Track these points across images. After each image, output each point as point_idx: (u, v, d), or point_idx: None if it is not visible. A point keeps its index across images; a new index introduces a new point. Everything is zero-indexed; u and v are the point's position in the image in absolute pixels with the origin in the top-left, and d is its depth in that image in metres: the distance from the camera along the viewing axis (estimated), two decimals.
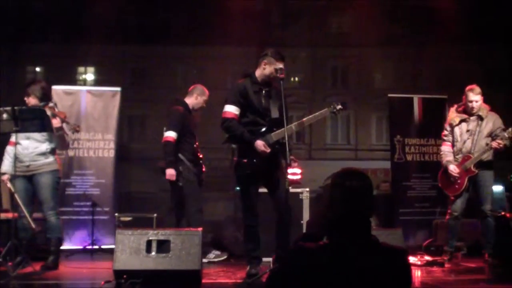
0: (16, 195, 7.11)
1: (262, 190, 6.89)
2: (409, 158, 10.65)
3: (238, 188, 7.35)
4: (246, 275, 6.59)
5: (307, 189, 8.55)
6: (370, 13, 21.43)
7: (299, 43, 25.95)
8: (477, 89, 8.05)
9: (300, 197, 8.31)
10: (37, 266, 7.12)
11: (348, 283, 2.91)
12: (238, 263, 7.96)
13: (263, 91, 6.67)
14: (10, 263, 6.66)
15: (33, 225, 7.19)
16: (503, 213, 9.73)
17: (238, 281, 6.44)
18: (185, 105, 8.40)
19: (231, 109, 6.65)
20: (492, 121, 8.06)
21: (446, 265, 7.84)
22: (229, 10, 19.70)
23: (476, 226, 8.62)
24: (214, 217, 10.18)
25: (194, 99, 8.51)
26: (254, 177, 6.67)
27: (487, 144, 7.97)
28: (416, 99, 10.82)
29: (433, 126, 10.44)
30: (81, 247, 9.90)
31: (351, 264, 2.94)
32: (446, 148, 8.30)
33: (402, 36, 24.93)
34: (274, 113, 6.61)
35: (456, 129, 8.17)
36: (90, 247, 9.77)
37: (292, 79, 27.56)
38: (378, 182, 14.95)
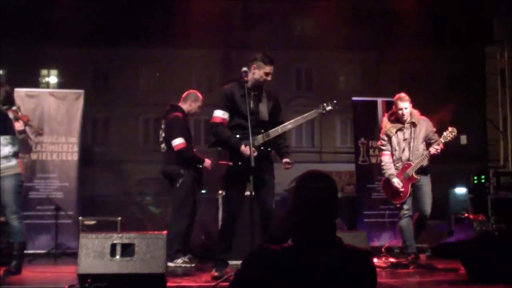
0: None
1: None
2: (373, 160, 10.71)
3: (204, 191, 7.39)
4: (211, 278, 6.61)
5: None
6: (332, 16, 21.48)
7: (262, 45, 26.00)
8: (406, 97, 8.27)
9: None
10: None
11: (313, 285, 2.91)
12: (203, 266, 7.94)
13: (252, 95, 6.68)
14: None
15: None
16: (466, 214, 9.86)
17: (203, 284, 6.43)
18: (182, 111, 8.45)
19: (218, 114, 6.71)
20: (424, 126, 8.31)
21: (411, 267, 7.90)
22: (191, 12, 19.64)
23: (441, 228, 8.72)
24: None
25: (189, 105, 8.59)
26: (239, 180, 6.69)
27: (424, 150, 8.23)
28: (380, 101, 10.89)
29: None
30: (44, 251, 9.81)
31: (316, 265, 2.93)
32: (386, 158, 8.44)
33: (364, 39, 25.07)
34: (263, 116, 6.64)
35: (394, 139, 8.35)
36: (53, 251, 9.69)
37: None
38: (342, 184, 15.05)
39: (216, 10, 22.23)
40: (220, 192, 8.61)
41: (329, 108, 6.84)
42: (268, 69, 6.68)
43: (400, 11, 19.14)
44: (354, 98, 11.38)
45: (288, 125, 6.79)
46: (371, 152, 10.76)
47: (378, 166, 10.21)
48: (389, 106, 10.63)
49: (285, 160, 6.83)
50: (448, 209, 15.22)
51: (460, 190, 16.65)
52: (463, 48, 24.27)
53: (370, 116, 10.89)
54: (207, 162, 8.40)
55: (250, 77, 6.69)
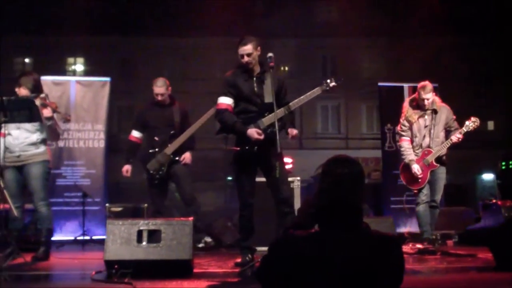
0: (3, 187, 7.07)
1: (261, 179, 6.87)
2: None
3: (229, 178, 7.36)
4: (235, 264, 6.62)
5: (298, 178, 8.56)
6: (355, 2, 21.35)
7: (285, 33, 25.89)
8: (428, 87, 8.18)
9: (291, 186, 8.28)
10: (27, 257, 7.09)
11: (339, 271, 2.88)
12: (229, 253, 7.96)
13: (254, 78, 6.66)
14: (0, 255, 6.63)
15: (16, 213, 7.16)
16: (494, 200, 9.78)
17: (229, 270, 6.44)
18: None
19: (223, 100, 6.65)
20: (445, 114, 8.27)
21: (438, 253, 7.86)
22: (214, 0, 19.65)
23: (468, 214, 8.65)
24: (204, 208, 10.14)
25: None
26: (247, 166, 6.66)
27: (444, 137, 8.22)
28: (406, 87, 10.82)
29: None
30: (72, 237, 9.90)
31: (342, 252, 2.91)
32: (406, 144, 8.43)
33: (388, 25, 24.90)
34: (268, 98, 6.58)
35: (415, 125, 8.33)
36: (81, 237, 9.76)
37: (282, 68, 27.51)
38: (369, 171, 14.99)
39: None
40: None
41: (332, 84, 6.71)
42: (239, 50, 6.64)
43: None
44: (380, 84, 11.32)
45: (293, 105, 6.70)
46: (397, 138, 10.70)
47: None
48: (415, 92, 10.60)
49: (289, 129, 6.72)
50: (476, 195, 15.11)
51: (488, 176, 16.52)
52: (488, 33, 24.04)
53: (396, 101, 10.80)
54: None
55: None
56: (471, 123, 8.00)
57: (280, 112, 6.49)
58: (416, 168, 8.16)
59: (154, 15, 24.72)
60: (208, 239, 8.83)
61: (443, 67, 24.35)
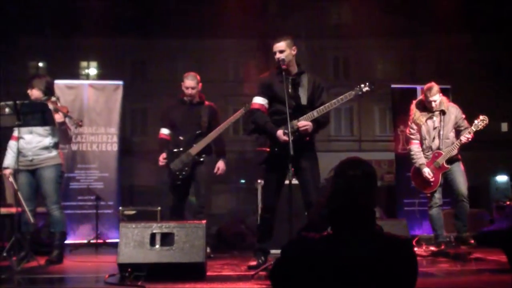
0: (17, 190, 7.10)
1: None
2: None
3: (242, 181, 7.35)
4: (248, 268, 6.62)
5: None
6: (368, 3, 21.32)
7: (298, 34, 25.89)
8: (434, 88, 8.11)
9: None
10: (41, 261, 7.13)
11: (352, 274, 2.88)
12: (242, 256, 7.96)
13: (290, 79, 6.65)
14: (14, 258, 6.66)
15: (31, 219, 7.18)
16: (508, 202, 9.74)
17: (243, 273, 6.43)
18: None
19: (257, 100, 6.71)
20: (453, 114, 8.17)
21: (452, 256, 7.82)
22: (227, 2, 19.63)
23: (482, 216, 8.60)
24: (217, 210, 10.15)
25: None
26: (277, 169, 6.66)
27: (454, 138, 8.12)
28: (419, 89, 10.79)
29: None
30: (85, 241, 9.92)
31: (355, 254, 2.91)
32: (415, 147, 8.36)
33: (400, 26, 24.82)
34: (303, 101, 6.57)
35: (423, 128, 8.25)
36: (94, 241, 9.79)
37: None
38: (382, 173, 14.97)
39: None
40: (259, 181, 8.54)
41: (365, 89, 6.65)
42: (273, 47, 6.67)
43: None
44: (393, 86, 11.31)
45: (324, 108, 6.66)
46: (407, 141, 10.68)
47: None
48: None
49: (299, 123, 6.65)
50: (489, 197, 15.07)
51: (502, 178, 16.50)
52: (502, 33, 23.90)
53: (409, 103, 10.71)
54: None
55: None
56: (480, 122, 7.91)
57: (310, 115, 6.48)
58: (427, 172, 8.11)
59: (166, 17, 24.76)
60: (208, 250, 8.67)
61: (456, 68, 24.26)
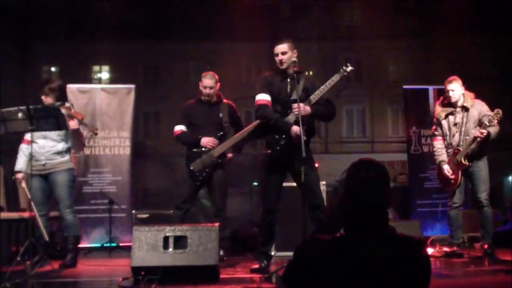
0: (29, 195, 7.11)
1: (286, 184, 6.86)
2: (425, 149, 10.61)
3: (255, 183, 7.32)
4: (250, 270, 6.67)
5: (324, 183, 8.50)
6: (380, 5, 21.33)
7: (309, 36, 25.89)
8: (454, 79, 8.03)
9: None
10: (55, 265, 7.17)
11: (365, 275, 2.88)
12: (255, 258, 7.96)
13: (288, 79, 6.69)
14: (28, 262, 6.67)
15: (46, 237, 7.19)
16: None
17: (256, 275, 6.43)
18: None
19: (262, 97, 6.68)
20: (477, 110, 7.96)
21: (465, 256, 7.80)
22: (239, 5, 19.67)
23: (496, 216, 8.55)
24: (230, 213, 10.14)
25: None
26: (277, 170, 6.66)
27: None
28: (431, 89, 10.77)
29: None
30: (98, 244, 9.94)
31: (368, 255, 2.90)
32: (438, 144, 8.25)
33: (412, 27, 24.79)
34: (294, 97, 6.58)
35: (444, 123, 8.13)
36: (108, 244, 9.80)
37: (306, 72, 27.36)
38: (395, 174, 14.94)
39: (264, 1, 22.21)
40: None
41: (349, 69, 6.75)
42: (275, 49, 6.74)
43: None
44: (405, 86, 11.27)
45: (316, 95, 6.61)
46: (423, 140, 10.65)
47: (431, 155, 10.01)
48: (441, 94, 10.53)
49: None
50: (503, 197, 15.00)
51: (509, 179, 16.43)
52: None
53: (421, 104, 10.77)
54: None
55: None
56: (493, 116, 7.78)
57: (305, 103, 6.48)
58: (446, 169, 8.02)
59: (178, 21, 24.84)
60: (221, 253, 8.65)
61: (469, 68, 24.17)
